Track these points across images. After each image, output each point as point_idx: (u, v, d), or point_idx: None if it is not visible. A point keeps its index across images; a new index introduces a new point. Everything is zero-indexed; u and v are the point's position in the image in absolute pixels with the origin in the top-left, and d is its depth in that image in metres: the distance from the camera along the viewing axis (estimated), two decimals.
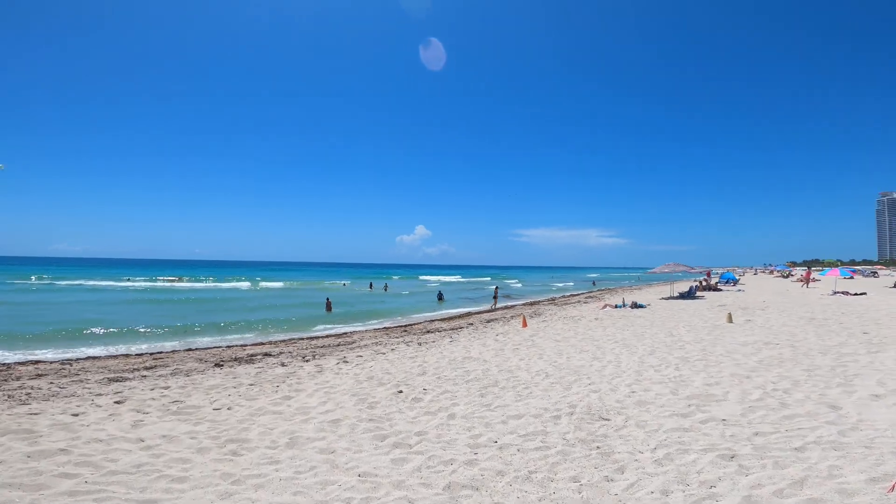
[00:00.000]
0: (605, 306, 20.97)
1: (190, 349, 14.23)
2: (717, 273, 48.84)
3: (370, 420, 5.83)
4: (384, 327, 19.71)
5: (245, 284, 57.64)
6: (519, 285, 65.06)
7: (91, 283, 54.02)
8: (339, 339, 15.90)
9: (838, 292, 26.40)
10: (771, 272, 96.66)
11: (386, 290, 49.73)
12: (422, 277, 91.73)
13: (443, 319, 22.12)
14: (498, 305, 29.26)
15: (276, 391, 7.82)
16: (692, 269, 40.44)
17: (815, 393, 6.33)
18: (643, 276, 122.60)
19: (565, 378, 7.76)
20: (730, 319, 14.44)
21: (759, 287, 38.28)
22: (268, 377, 9.18)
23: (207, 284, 56.93)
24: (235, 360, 11.74)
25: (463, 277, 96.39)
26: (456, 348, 12.01)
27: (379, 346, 13.47)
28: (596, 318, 17.06)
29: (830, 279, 32.14)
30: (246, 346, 14.82)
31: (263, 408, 6.75)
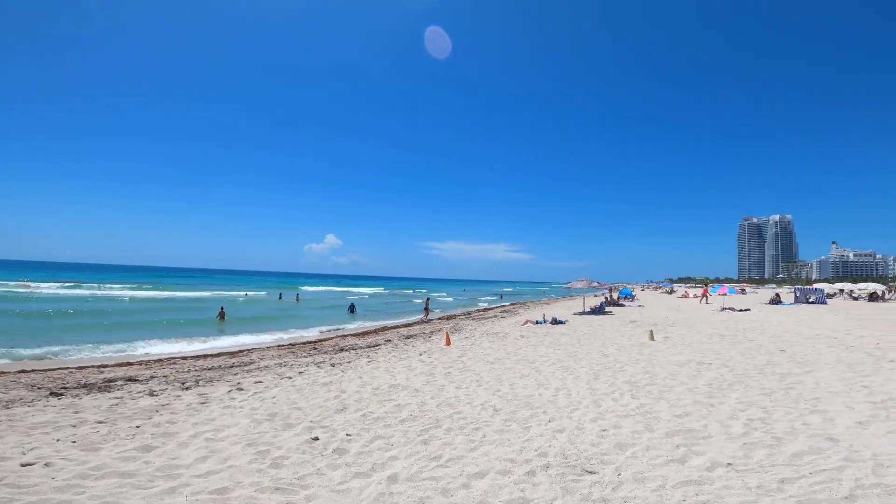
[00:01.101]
0: (526, 322, 20.45)
1: (24, 370, 10.90)
2: (618, 289, 51.85)
3: (275, 489, 3.99)
4: (290, 343, 17.27)
5: (127, 292, 49.99)
6: (450, 299, 63.57)
7: None
8: (235, 359, 13.35)
9: (727, 308, 28.66)
10: (656, 288, 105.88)
11: (297, 300, 45.68)
12: (335, 288, 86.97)
13: (356, 335, 20.12)
14: (414, 319, 27.84)
15: (134, 436, 5.60)
16: (603, 284, 42.34)
17: (798, 422, 5.70)
18: (549, 290, 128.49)
19: (518, 413, 6.47)
20: (651, 337, 14.37)
21: (653, 303, 40.86)
22: (126, 412, 6.80)
23: (78, 291, 48.44)
24: (84, 386, 8.95)
25: (385, 289, 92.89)
26: (377, 372, 10.30)
27: (284, 368, 11.30)
28: (521, 336, 16.27)
29: (718, 295, 35.13)
30: (106, 366, 11.75)
31: (105, 465, 4.60)
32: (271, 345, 17.28)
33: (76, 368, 11.33)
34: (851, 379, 8.15)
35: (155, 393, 8.34)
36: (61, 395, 8.18)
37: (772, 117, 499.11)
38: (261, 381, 9.70)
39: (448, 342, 14.80)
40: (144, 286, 60.47)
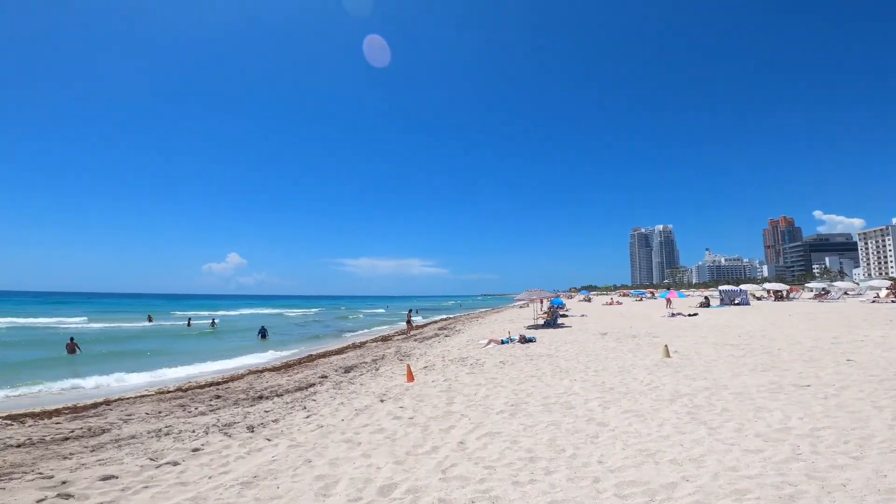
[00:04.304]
0: (489, 342, 17.06)
1: None
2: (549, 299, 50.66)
3: None
4: (178, 389, 12.14)
5: None
6: (360, 316, 58.28)
7: None
8: (78, 420, 8.35)
9: (677, 314, 27.76)
10: (569, 297, 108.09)
11: (213, 326, 37.16)
12: (259, 310, 75.87)
13: (276, 369, 15.32)
14: (345, 343, 23.29)
15: None
16: (558, 294, 41.17)
17: None
18: (469, 302, 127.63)
19: None
20: (667, 353, 11.69)
21: (590, 312, 39.67)
22: None
23: None
24: None
25: (323, 308, 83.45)
26: (333, 443, 6.18)
27: (164, 440, 6.71)
28: (501, 362, 12.80)
29: (667, 300, 34.72)
30: None
31: None
32: (150, 390, 12.07)
33: None
34: None
35: None
36: None
37: (653, 131, 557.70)
38: (113, 478, 5.20)
39: (411, 377, 10.89)
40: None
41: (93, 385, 13.03)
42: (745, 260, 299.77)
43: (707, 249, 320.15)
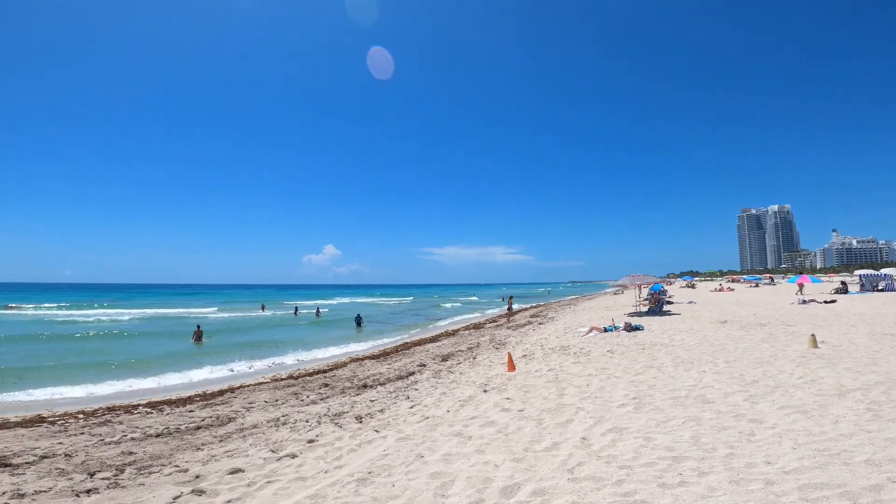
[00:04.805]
0: (591, 330, 16.03)
1: None
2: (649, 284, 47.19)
3: None
4: (290, 377, 12.79)
5: (102, 311, 45.02)
6: (458, 304, 59.46)
7: None
8: (208, 409, 8.96)
9: (810, 300, 24.36)
10: (669, 283, 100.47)
11: (318, 315, 38.43)
12: (356, 299, 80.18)
13: (375, 357, 15.67)
14: (439, 331, 23.45)
15: None
16: (664, 280, 38.59)
17: None
18: (556, 289, 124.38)
19: None
20: (814, 343, 10.00)
21: (699, 299, 36.39)
22: None
23: (59, 312, 43.48)
24: None
25: (415, 297, 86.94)
26: (442, 437, 5.90)
27: (282, 430, 6.90)
28: (608, 351, 11.86)
29: (798, 285, 30.80)
30: None
31: None
32: (266, 377, 12.83)
33: None
34: None
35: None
36: None
37: (763, 105, 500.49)
38: (240, 471, 5.29)
39: (512, 366, 10.42)
40: (139, 305, 55.24)
41: (219, 372, 14.16)
42: (880, 241, 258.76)
43: (834, 230, 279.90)
